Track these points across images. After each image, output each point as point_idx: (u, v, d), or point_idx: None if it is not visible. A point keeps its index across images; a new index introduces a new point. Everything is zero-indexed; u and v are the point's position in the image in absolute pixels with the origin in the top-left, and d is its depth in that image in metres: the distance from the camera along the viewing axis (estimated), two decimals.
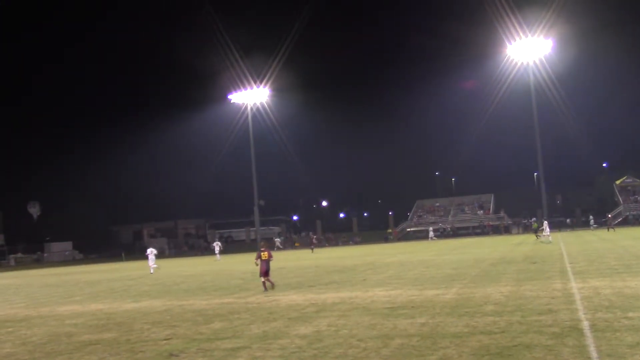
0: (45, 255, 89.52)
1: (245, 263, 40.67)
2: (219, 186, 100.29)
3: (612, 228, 58.87)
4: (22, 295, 24.67)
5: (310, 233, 77.49)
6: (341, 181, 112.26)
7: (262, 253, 18.84)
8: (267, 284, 18.68)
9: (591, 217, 72.72)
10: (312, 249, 58.99)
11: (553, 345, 8.19)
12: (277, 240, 68.46)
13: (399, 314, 11.67)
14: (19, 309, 18.58)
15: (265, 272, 18.54)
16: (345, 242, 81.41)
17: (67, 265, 65.88)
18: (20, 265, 78.67)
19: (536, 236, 48.76)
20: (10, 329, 13.65)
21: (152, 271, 35.17)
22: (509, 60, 75.18)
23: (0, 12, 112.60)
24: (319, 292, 16.81)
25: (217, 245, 52.41)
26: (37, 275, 38.89)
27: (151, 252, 36.97)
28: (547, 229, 42.39)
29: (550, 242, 39.28)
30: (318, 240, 77.36)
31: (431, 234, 70.97)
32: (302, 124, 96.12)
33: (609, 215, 74.30)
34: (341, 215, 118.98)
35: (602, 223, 72.04)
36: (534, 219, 66.31)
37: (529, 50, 73.90)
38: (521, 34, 72.01)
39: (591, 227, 68.30)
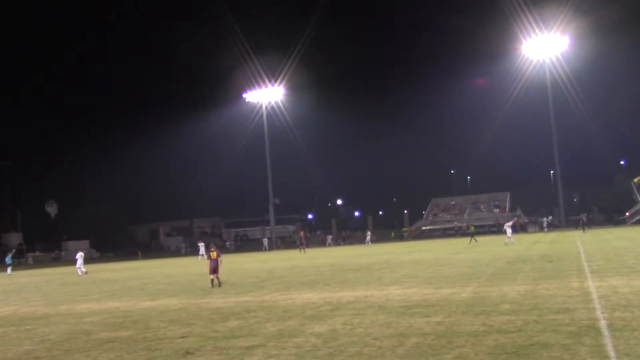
0: (62, 253, 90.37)
1: (261, 262, 40.81)
2: (234, 185, 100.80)
3: (584, 229, 58.20)
4: (41, 293, 24.90)
5: (302, 232, 77.28)
6: (356, 180, 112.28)
7: (211, 252, 21.14)
8: (215, 281, 20.75)
9: (545, 218, 72.39)
10: (303, 249, 56.97)
11: (570, 344, 8.13)
12: (329, 237, 68.45)
13: (415, 313, 11.64)
14: (37, 306, 18.76)
15: (214, 270, 20.67)
16: (361, 241, 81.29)
17: (84, 264, 66.40)
18: (38, 263, 79.50)
19: (470, 240, 48.69)
20: (28, 327, 13.80)
21: (79, 273, 37.00)
22: (525, 57, 74.71)
23: (19, 13, 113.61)
24: (334, 291, 16.81)
25: (201, 246, 54.34)
26: (55, 273, 39.26)
27: (80, 256, 38.70)
28: (510, 231, 42.35)
29: (512, 243, 39.48)
30: (334, 240, 77.49)
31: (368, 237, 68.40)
32: (317, 122, 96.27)
33: (628, 214, 73.74)
34: (356, 213, 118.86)
35: (553, 224, 71.81)
36: (468, 224, 66.35)
37: (545, 47, 73.36)
38: (537, 30, 71.54)
39: (545, 230, 67.88)
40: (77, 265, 38.00)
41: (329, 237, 68.13)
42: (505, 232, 42.82)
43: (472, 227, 55.80)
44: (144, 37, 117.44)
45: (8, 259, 52.35)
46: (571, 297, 12.37)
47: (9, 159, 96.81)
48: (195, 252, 59.07)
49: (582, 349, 7.84)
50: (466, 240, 51.53)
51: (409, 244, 60.07)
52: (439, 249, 41.28)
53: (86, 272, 37.40)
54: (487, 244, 43.16)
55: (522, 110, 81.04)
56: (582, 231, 56.46)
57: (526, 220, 77.37)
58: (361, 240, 73.53)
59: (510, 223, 44.64)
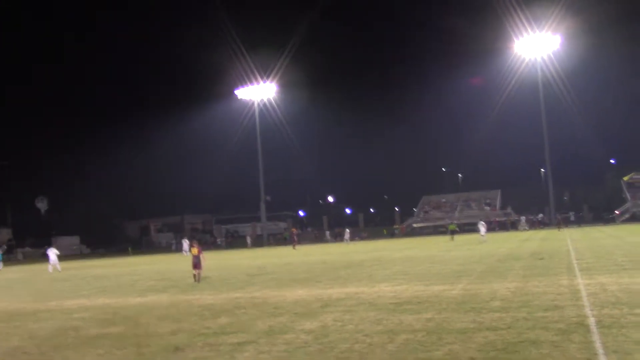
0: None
1: (252, 258, 40.77)
2: (226, 181, 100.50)
3: (562, 227, 58.74)
4: (30, 289, 24.80)
5: (293, 229, 77.42)
6: (348, 177, 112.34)
7: (192, 249, 21.99)
8: (196, 276, 21.37)
9: (523, 217, 73.03)
10: (294, 246, 57.23)
11: (559, 341, 8.17)
12: (347, 232, 68.47)
13: (405, 310, 11.67)
14: (26, 302, 18.67)
15: (195, 265, 21.36)
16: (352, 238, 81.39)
17: (75, 260, 66.19)
18: (28, 259, 79.08)
19: (451, 238, 49.07)
20: (18, 323, 13.73)
21: (50, 270, 37.22)
22: (517, 56, 74.99)
23: (9, 10, 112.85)
24: (325, 288, 16.82)
25: (185, 243, 56.09)
26: (45, 269, 39.06)
27: (52, 252, 38.69)
28: (483, 230, 42.95)
29: (485, 241, 40.04)
30: (333, 236, 77.53)
31: (347, 236, 67.70)
32: (309, 119, 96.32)
33: (617, 212, 74.33)
34: (348, 211, 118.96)
35: (535, 223, 72.48)
36: (449, 222, 66.54)
37: (536, 46, 73.65)
38: (529, 29, 71.81)
39: (520, 228, 68.45)
40: (52, 262, 38.04)
41: (347, 232, 68.13)
42: (479, 231, 43.44)
43: (452, 225, 55.72)
44: (135, 34, 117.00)
45: None
46: (561, 294, 12.44)
47: (0, 155, 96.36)
48: (186, 247, 58.99)
49: (571, 345, 7.89)
50: (458, 238, 51.59)
51: (400, 241, 60.19)
52: (430, 246, 41.40)
53: (60, 270, 37.22)
54: (475, 242, 43.30)
55: (514, 108, 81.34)
56: (557, 229, 57.33)
57: (516, 218, 77.66)
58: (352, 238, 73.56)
59: (484, 222, 45.21)
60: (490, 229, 74.93)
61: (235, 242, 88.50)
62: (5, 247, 76.11)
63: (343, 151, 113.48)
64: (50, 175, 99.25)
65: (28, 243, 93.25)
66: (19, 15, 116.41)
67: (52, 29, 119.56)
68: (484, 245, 36.80)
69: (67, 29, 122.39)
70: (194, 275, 21.58)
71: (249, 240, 79.34)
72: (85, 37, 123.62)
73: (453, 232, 51.42)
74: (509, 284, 14.83)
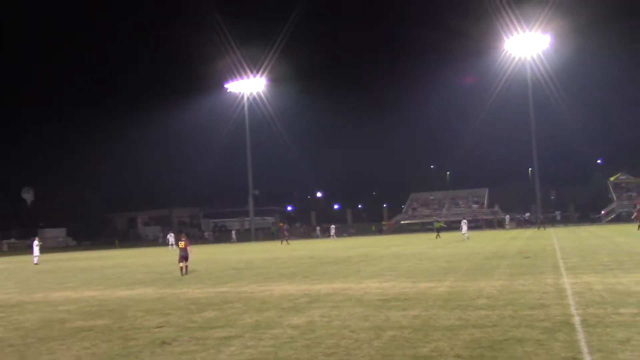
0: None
1: (239, 253, 40.74)
2: (215, 175, 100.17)
3: (543, 227, 59.49)
4: (15, 280, 24.64)
5: (280, 224, 77.52)
6: (336, 172, 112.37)
7: (180, 242, 22.48)
8: (184, 269, 21.76)
9: (507, 216, 73.76)
10: (286, 241, 57.02)
11: (544, 339, 8.23)
12: (332, 227, 68.52)
13: (392, 306, 11.71)
14: (11, 294, 18.56)
15: (183, 258, 21.78)
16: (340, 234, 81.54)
17: (61, 252, 65.84)
18: (13, 250, 78.51)
19: (436, 236, 49.29)
20: (2, 314, 13.64)
21: (36, 262, 37.18)
22: (507, 54, 75.30)
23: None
24: (312, 283, 16.85)
25: (170, 237, 57.03)
26: (31, 260, 38.83)
27: (36, 244, 39.22)
28: (465, 228, 43.48)
29: (467, 239, 40.82)
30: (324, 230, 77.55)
31: (332, 231, 67.97)
32: (299, 114, 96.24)
33: (603, 212, 74.96)
34: (335, 206, 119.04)
35: (522, 222, 73.17)
36: (435, 218, 66.82)
37: (526, 45, 73.99)
38: (519, 28, 72.11)
39: (506, 227, 69.15)
40: (35, 254, 37.98)
41: (333, 228, 68.23)
42: (460, 229, 43.89)
43: (438, 223, 55.79)
44: (124, 27, 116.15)
45: None
46: (546, 293, 12.53)
47: None
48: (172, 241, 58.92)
49: (556, 344, 7.95)
50: (446, 235, 51.68)
51: (387, 238, 60.39)
52: (418, 243, 41.55)
53: (37, 263, 37.09)
54: (463, 239, 43.49)
55: (503, 107, 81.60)
56: (537, 229, 58.13)
57: (503, 216, 78.09)
58: (339, 234, 73.61)
59: (466, 220, 45.71)
60: (477, 227, 75.63)
61: (222, 236, 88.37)
62: None
63: (332, 146, 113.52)
64: (37, 166, 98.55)
65: (14, 234, 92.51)
66: (16, 8, 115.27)
67: (42, 21, 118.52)
68: (471, 243, 37.00)
69: (57, 22, 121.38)
70: (181, 268, 21.82)
71: (234, 234, 79.38)
72: (73, 30, 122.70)
73: (439, 230, 51.58)
74: (495, 282, 14.91)
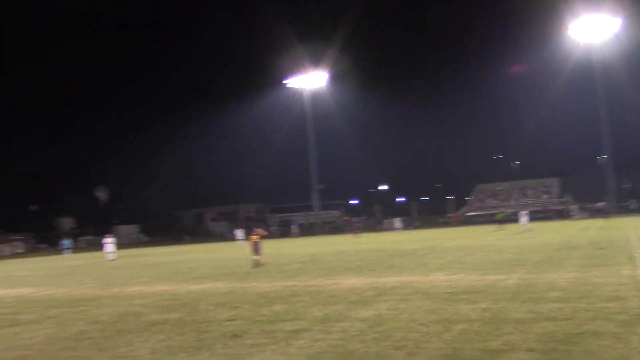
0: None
1: (305, 246, 41.06)
2: (279, 171, 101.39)
3: (609, 217, 57.04)
4: (93, 276, 25.64)
5: (345, 217, 77.42)
6: (401, 165, 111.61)
7: (253, 236, 23.87)
8: (256, 262, 22.94)
9: (574, 206, 70.66)
10: (357, 234, 57.69)
11: (622, 333, 7.96)
12: (397, 220, 68.87)
13: (460, 299, 11.58)
14: (89, 289, 19.35)
15: (256, 251, 23.03)
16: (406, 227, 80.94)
17: (134, 248, 68.05)
18: (90, 247, 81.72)
19: (498, 227, 47.74)
20: (82, 308, 14.25)
21: (111, 258, 38.42)
22: (572, 39, 72.64)
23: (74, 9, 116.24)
24: (379, 276, 16.83)
25: (238, 232, 59.92)
26: (104, 257, 40.32)
27: (110, 241, 40.03)
28: (524, 219, 42.51)
29: (530, 230, 39.87)
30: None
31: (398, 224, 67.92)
32: (360, 107, 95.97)
33: None
34: (400, 199, 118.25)
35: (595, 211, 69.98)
36: (502, 209, 64.23)
37: (594, 29, 71.09)
38: (585, 12, 69.34)
39: (572, 217, 66.33)
40: (108, 250, 39.27)
41: (397, 221, 68.29)
42: (519, 220, 43.01)
43: (501, 214, 54.35)
44: (187, 26, 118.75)
45: (66, 243, 57.46)
46: (622, 285, 12.09)
47: (61, 144, 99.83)
48: (239, 237, 60.01)
49: (635, 338, 7.68)
50: (510, 227, 50.20)
51: (453, 230, 59.54)
52: (484, 235, 40.79)
53: (112, 260, 38.30)
54: (532, 230, 42.44)
55: (571, 93, 79.05)
56: (604, 219, 56.12)
57: (575, 206, 75.63)
58: (404, 227, 73.13)
59: (525, 212, 44.73)
60: (547, 217, 73.62)
61: (288, 230, 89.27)
62: (71, 235, 79.13)
63: (396, 139, 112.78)
64: (110, 166, 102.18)
65: (90, 231, 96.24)
66: (87, 15, 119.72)
67: (111, 26, 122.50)
68: (540, 234, 36.03)
69: (126, 26, 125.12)
70: (254, 261, 22.87)
71: (294, 228, 79.63)
72: (141, 29, 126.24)
73: (502, 222, 50.37)
74: (568, 273, 14.50)
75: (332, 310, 11.31)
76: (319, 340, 8.74)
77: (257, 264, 22.90)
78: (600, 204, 75.11)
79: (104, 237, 41.82)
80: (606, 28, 70.68)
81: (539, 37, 77.64)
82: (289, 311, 11.54)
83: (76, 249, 72.54)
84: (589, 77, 74.72)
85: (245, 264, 25.19)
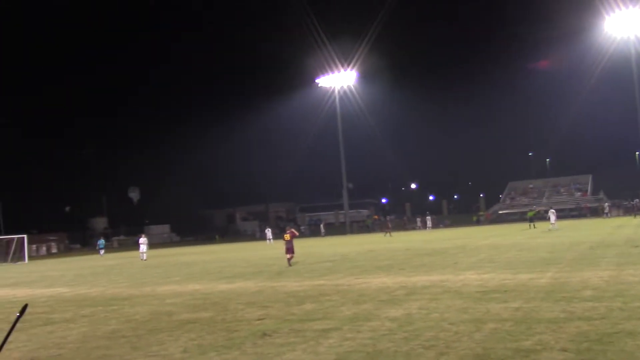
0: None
1: (334, 246, 41.07)
2: (308, 170, 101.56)
3: (635, 215, 55.65)
4: (125, 275, 26.02)
5: (378, 217, 77.19)
6: (431, 163, 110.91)
7: (286, 235, 24.17)
8: (289, 260, 23.39)
9: (607, 203, 69.16)
10: (389, 233, 58.08)
11: None
12: (428, 219, 68.61)
13: (492, 298, 11.44)
14: (122, 288, 19.62)
15: (288, 250, 23.37)
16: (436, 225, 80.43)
17: (166, 247, 68.89)
18: (122, 247, 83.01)
19: (529, 226, 47.58)
20: (115, 307, 14.45)
21: (144, 258, 38.66)
22: (607, 34, 71.25)
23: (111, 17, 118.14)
24: (409, 275, 16.74)
25: (268, 232, 60.95)
26: (138, 256, 40.88)
27: (144, 241, 40.50)
28: (553, 218, 42.44)
29: (556, 229, 39.57)
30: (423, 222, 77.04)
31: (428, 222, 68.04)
32: (391, 106, 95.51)
33: None
34: (430, 197, 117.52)
35: (631, 208, 68.21)
36: (534, 206, 62.71)
37: (629, 22, 69.64)
38: (621, 5, 67.97)
39: (605, 215, 64.81)
40: (143, 250, 39.69)
41: (429, 219, 67.94)
42: (549, 219, 42.68)
43: (531, 212, 53.64)
44: (217, 27, 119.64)
45: (101, 243, 58.63)
46: None
47: (94, 146, 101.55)
48: (270, 236, 60.32)
49: None
50: (543, 225, 49.43)
51: (485, 228, 58.96)
52: (516, 233, 40.29)
53: (144, 259, 38.69)
54: (565, 228, 41.82)
55: (605, 89, 77.58)
56: (633, 217, 54.91)
57: (608, 203, 74.27)
58: (435, 225, 72.64)
59: (554, 210, 44.43)
60: (581, 215, 72.43)
61: (318, 229, 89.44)
62: (105, 235, 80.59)
63: (426, 137, 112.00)
64: (142, 166, 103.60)
65: (122, 231, 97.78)
66: (118, 22, 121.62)
67: (143, 22, 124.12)
68: (575, 232, 35.46)
69: (161, 25, 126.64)
70: (288, 259, 23.39)
71: (322, 228, 79.63)
72: (172, 31, 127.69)
73: (532, 220, 49.77)
74: (602, 272, 14.24)
75: (362, 309, 11.28)
76: (348, 340, 8.72)
77: (290, 262, 23.35)
78: (636, 201, 73.60)
79: (139, 237, 42.40)
80: None
81: (574, 32, 76.28)
82: (319, 310, 11.55)
83: (109, 248, 73.76)
84: (625, 72, 73.20)
85: (275, 263, 25.31)
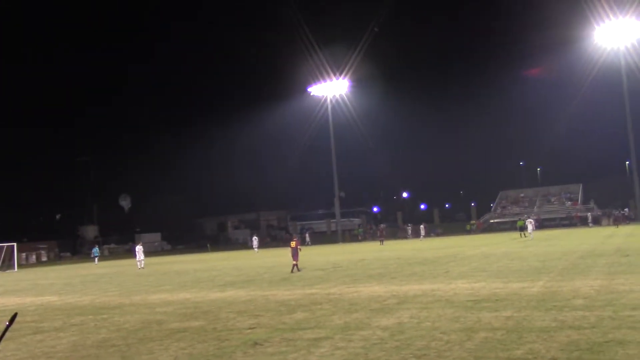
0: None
1: (326, 255, 41.01)
2: (300, 178, 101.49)
3: (617, 225, 56.21)
4: (115, 284, 25.88)
5: (381, 225, 77.18)
6: (422, 172, 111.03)
7: (292, 242, 25.39)
8: (295, 266, 24.38)
9: (589, 214, 69.38)
10: (382, 241, 58.28)
11: None
12: (422, 227, 68.19)
13: (483, 307, 11.46)
14: (112, 296, 19.51)
15: (294, 256, 24.49)
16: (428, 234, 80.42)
17: (157, 256, 68.56)
18: (113, 255, 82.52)
19: (520, 235, 48.29)
20: (105, 316, 14.37)
21: (141, 266, 38.27)
22: (598, 44, 71.82)
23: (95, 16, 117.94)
24: (400, 284, 16.74)
25: (255, 240, 61.20)
26: (129, 265, 40.71)
27: (140, 249, 40.09)
28: (530, 227, 43.64)
29: (531, 239, 40.58)
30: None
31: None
32: (382, 115, 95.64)
33: None
34: (422, 206, 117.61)
35: (619, 218, 68.63)
36: (525, 216, 62.96)
37: (619, 33, 70.26)
38: (611, 15, 68.55)
39: (590, 225, 65.25)
40: (138, 258, 39.46)
41: (422, 228, 67.80)
42: (526, 228, 43.44)
43: (520, 221, 53.86)
44: (209, 35, 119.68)
45: (95, 251, 59.82)
46: None
47: (87, 154, 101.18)
48: (261, 245, 60.29)
49: None
50: (537, 233, 49.73)
51: (476, 237, 59.07)
52: (508, 242, 40.40)
53: (142, 267, 38.40)
54: (557, 237, 41.97)
55: (595, 99, 78.00)
56: (616, 227, 55.57)
57: (599, 213, 74.61)
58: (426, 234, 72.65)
59: (532, 219, 45.09)
60: (571, 224, 72.67)
61: (310, 238, 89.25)
62: (97, 243, 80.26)
63: (418, 146, 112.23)
64: (133, 175, 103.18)
65: (113, 240, 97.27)
66: (105, 23, 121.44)
67: (132, 34, 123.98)
68: (565, 241, 35.59)
69: (147, 34, 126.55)
70: (294, 266, 24.45)
71: (307, 237, 78.86)
72: (161, 38, 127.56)
73: (522, 229, 49.95)
74: (593, 281, 14.29)
75: (353, 318, 11.27)
76: (340, 349, 8.71)
77: (295, 268, 24.36)
78: (625, 210, 74.06)
79: (135, 245, 42.16)
80: (632, 32, 69.78)
81: (565, 42, 76.77)
82: (310, 319, 11.52)
83: (100, 257, 73.39)
84: (615, 82, 73.72)
85: (266, 272, 25.30)
